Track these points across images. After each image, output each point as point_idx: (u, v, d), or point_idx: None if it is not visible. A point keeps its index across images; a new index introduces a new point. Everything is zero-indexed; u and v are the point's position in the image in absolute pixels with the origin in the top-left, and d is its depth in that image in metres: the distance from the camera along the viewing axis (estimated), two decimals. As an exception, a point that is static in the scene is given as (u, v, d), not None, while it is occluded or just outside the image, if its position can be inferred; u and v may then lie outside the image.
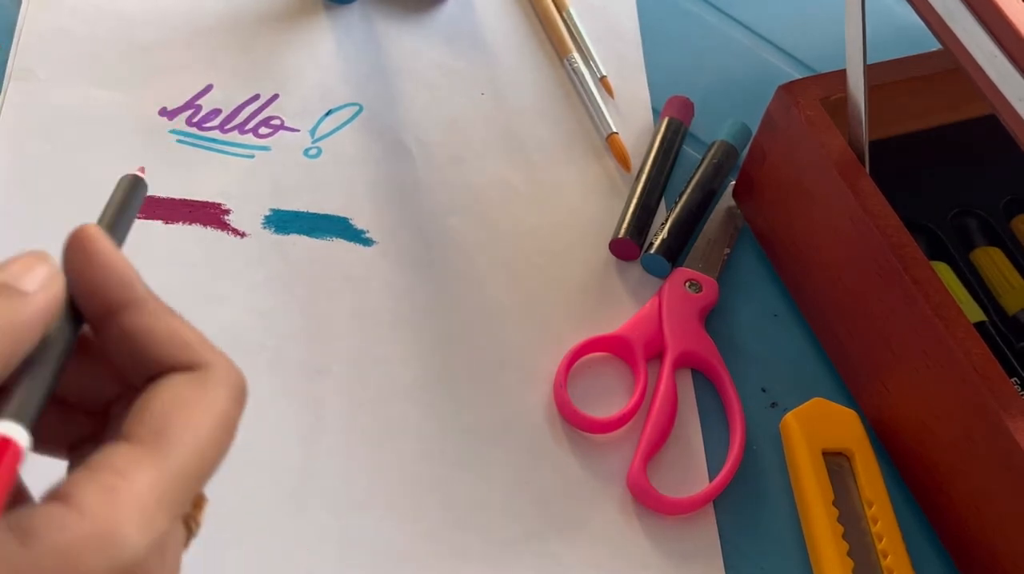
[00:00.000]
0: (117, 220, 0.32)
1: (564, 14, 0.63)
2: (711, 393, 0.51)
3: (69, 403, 0.30)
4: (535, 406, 0.50)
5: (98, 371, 0.30)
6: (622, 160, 0.58)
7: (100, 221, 0.31)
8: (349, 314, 0.52)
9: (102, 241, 0.29)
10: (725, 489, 0.48)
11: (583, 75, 0.60)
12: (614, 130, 0.58)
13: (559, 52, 0.62)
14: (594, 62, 0.61)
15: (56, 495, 0.25)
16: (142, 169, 0.34)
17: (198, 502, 0.30)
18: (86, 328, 0.29)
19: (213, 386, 0.28)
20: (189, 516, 0.29)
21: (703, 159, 0.58)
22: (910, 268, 0.45)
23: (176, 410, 0.27)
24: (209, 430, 0.27)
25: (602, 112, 0.59)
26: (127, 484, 0.25)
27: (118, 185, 0.33)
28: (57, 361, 0.27)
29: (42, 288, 0.27)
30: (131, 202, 0.33)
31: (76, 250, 0.28)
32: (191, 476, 0.27)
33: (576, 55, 0.61)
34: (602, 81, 0.61)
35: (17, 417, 0.25)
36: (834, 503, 0.47)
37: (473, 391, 0.50)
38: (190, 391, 0.27)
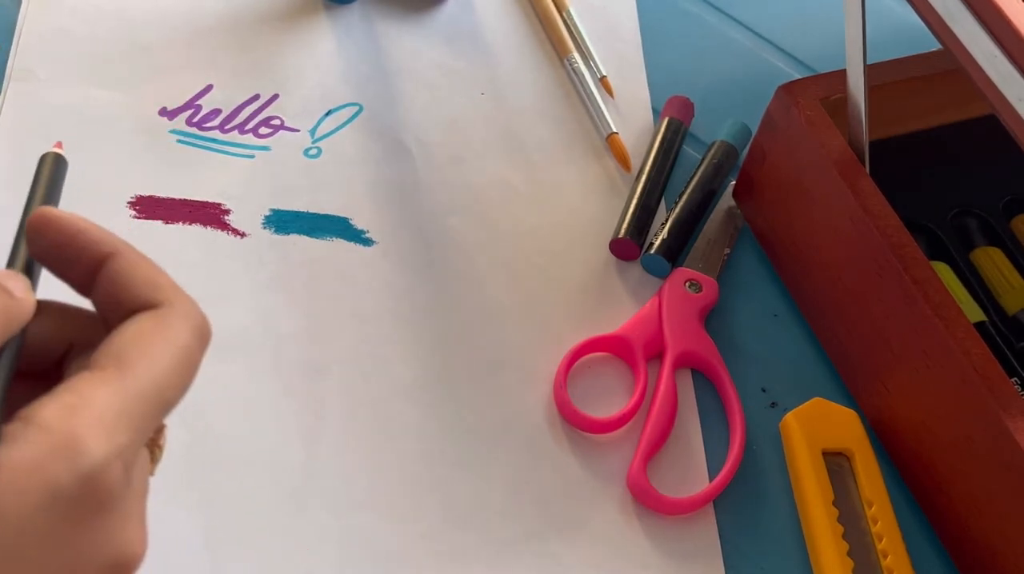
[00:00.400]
0: (50, 196, 0.33)
1: (564, 14, 0.63)
2: (711, 393, 0.51)
3: (20, 373, 0.31)
4: (535, 406, 0.50)
5: (43, 330, 0.31)
6: (622, 160, 0.58)
7: (33, 200, 0.33)
8: (349, 314, 0.52)
9: (62, 214, 0.31)
10: (725, 489, 0.48)
11: (583, 75, 0.60)
12: (614, 130, 0.58)
13: (559, 52, 0.62)
14: (594, 62, 0.61)
15: (18, 417, 0.27)
16: (59, 144, 0.35)
17: (160, 429, 0.31)
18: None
19: (173, 320, 0.30)
20: (152, 442, 0.31)
21: (703, 159, 0.58)
22: (910, 268, 0.45)
23: (136, 340, 0.29)
24: (168, 358, 0.29)
25: (602, 112, 0.59)
26: (85, 401, 0.27)
27: (42, 163, 0.34)
28: (12, 362, 0.29)
29: (25, 294, 0.30)
30: (57, 180, 0.34)
31: (45, 229, 0.31)
32: (150, 398, 0.29)
33: (576, 55, 0.61)
34: (602, 81, 0.61)
35: None
36: (834, 503, 0.47)
37: (473, 391, 0.50)
38: (151, 324, 0.30)
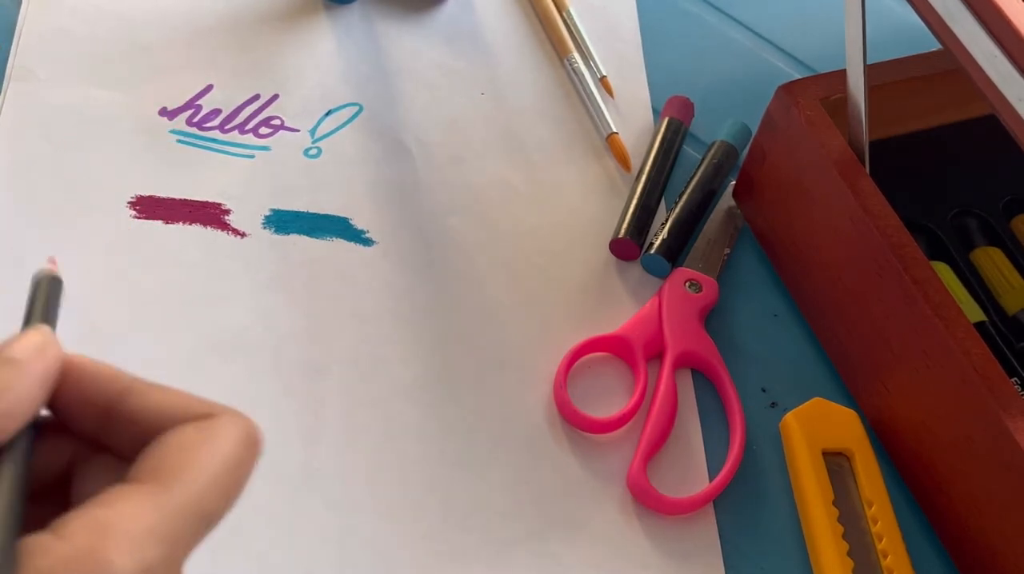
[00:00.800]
0: (48, 317, 0.30)
1: (564, 14, 0.63)
2: (711, 393, 0.51)
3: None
4: (535, 406, 0.50)
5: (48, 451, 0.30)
6: (622, 160, 0.58)
7: (31, 321, 0.30)
8: (349, 314, 0.52)
9: (72, 357, 0.29)
10: (725, 489, 0.48)
11: (583, 75, 0.60)
12: (614, 130, 0.58)
13: (559, 52, 0.62)
14: (594, 62, 0.61)
15: (48, 528, 0.25)
16: (54, 261, 0.32)
17: None
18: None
19: (219, 429, 0.28)
20: None
21: (703, 159, 0.58)
22: (910, 268, 0.45)
23: (177, 451, 0.27)
24: (211, 470, 0.27)
25: (602, 112, 0.59)
26: (115, 513, 0.26)
27: (38, 286, 0.31)
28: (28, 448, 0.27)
29: (38, 355, 0.28)
30: (55, 299, 0.31)
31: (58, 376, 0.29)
32: (188, 514, 0.27)
33: (576, 55, 0.61)
34: (602, 81, 0.61)
35: None
36: (834, 503, 0.47)
37: (473, 391, 0.50)
38: (195, 434, 0.28)
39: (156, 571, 0.26)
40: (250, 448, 0.29)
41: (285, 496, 0.46)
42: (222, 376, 0.49)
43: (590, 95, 0.60)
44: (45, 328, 0.29)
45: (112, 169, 0.54)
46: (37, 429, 0.28)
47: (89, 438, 0.29)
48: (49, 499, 0.29)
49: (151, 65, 0.58)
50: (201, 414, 0.28)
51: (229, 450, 0.28)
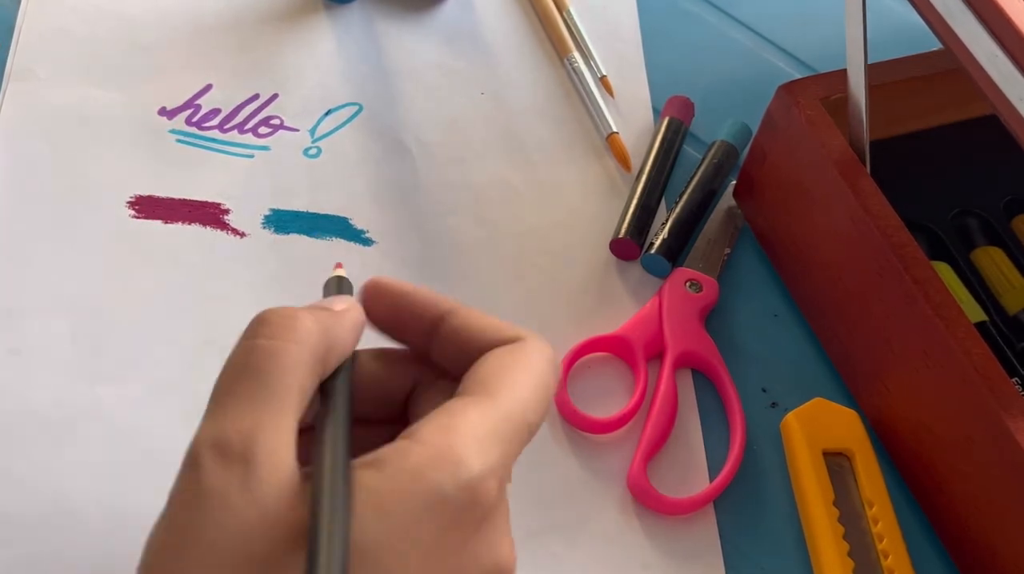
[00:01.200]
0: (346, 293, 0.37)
1: (564, 14, 0.63)
2: (711, 393, 0.51)
3: (370, 421, 0.35)
4: (535, 406, 0.50)
5: (385, 375, 0.35)
6: (622, 160, 0.58)
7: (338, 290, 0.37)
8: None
9: (391, 282, 0.35)
10: (725, 489, 0.48)
11: (583, 75, 0.60)
12: (614, 130, 0.58)
13: (559, 51, 0.62)
14: (594, 62, 0.61)
15: (402, 436, 0.30)
16: (339, 265, 0.39)
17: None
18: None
19: (529, 351, 0.33)
20: None
21: (703, 159, 0.58)
22: (911, 268, 0.45)
23: (500, 369, 0.32)
24: (529, 385, 0.32)
25: (602, 112, 0.59)
26: (460, 421, 0.30)
27: (329, 285, 0.37)
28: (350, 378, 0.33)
29: (350, 308, 0.34)
30: (346, 288, 0.37)
31: (383, 293, 0.35)
32: (516, 421, 0.31)
33: (576, 55, 0.61)
34: (602, 81, 0.61)
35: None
36: (834, 503, 0.47)
37: (473, 391, 0.50)
38: (510, 356, 0.33)
39: (496, 469, 0.30)
40: (553, 367, 0.34)
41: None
42: (222, 376, 0.49)
43: (590, 95, 0.60)
44: (347, 296, 0.35)
45: (111, 169, 0.54)
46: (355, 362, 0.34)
47: (424, 360, 0.35)
48: (392, 426, 0.34)
49: (150, 65, 0.58)
50: (512, 337, 0.34)
51: (540, 368, 0.33)
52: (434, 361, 0.35)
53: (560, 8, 0.63)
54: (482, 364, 0.33)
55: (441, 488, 0.29)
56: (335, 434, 0.31)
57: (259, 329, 0.32)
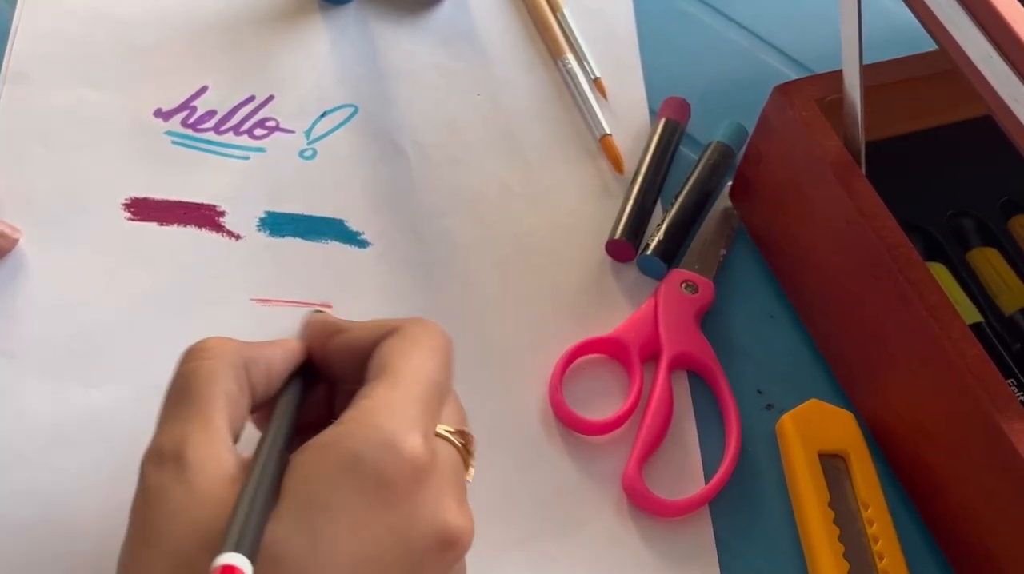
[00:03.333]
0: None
1: (559, 15, 0.63)
2: (707, 395, 0.51)
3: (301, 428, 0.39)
4: (530, 408, 0.50)
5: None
6: (615, 161, 0.57)
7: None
8: (344, 316, 0.51)
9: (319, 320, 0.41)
10: (721, 491, 0.48)
11: (577, 76, 0.60)
12: (607, 131, 0.58)
13: (553, 54, 0.62)
14: (588, 63, 0.61)
15: (333, 423, 0.34)
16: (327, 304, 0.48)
17: (469, 441, 0.38)
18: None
19: (411, 329, 0.37)
20: (465, 450, 0.37)
21: (699, 160, 0.58)
22: (906, 269, 0.45)
23: (391, 351, 0.37)
24: (421, 353, 0.37)
25: (595, 113, 0.59)
26: (369, 400, 0.34)
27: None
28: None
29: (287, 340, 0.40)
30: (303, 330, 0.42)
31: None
32: (423, 383, 0.35)
33: (570, 56, 0.61)
34: (596, 82, 0.60)
35: (239, 547, 0.31)
36: (830, 505, 0.47)
37: (468, 393, 0.50)
38: (397, 341, 0.37)
39: (416, 427, 0.34)
40: (438, 335, 0.38)
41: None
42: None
43: (583, 97, 0.60)
44: (296, 340, 0.40)
45: (107, 171, 0.54)
46: (310, 388, 0.40)
47: (332, 378, 0.40)
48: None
49: (146, 66, 0.58)
50: (394, 327, 0.38)
51: (426, 338, 0.37)
52: (339, 376, 0.40)
53: (554, 9, 0.63)
54: (376, 356, 0.37)
55: (356, 450, 0.33)
56: (274, 429, 0.36)
57: (180, 360, 0.37)
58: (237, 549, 0.30)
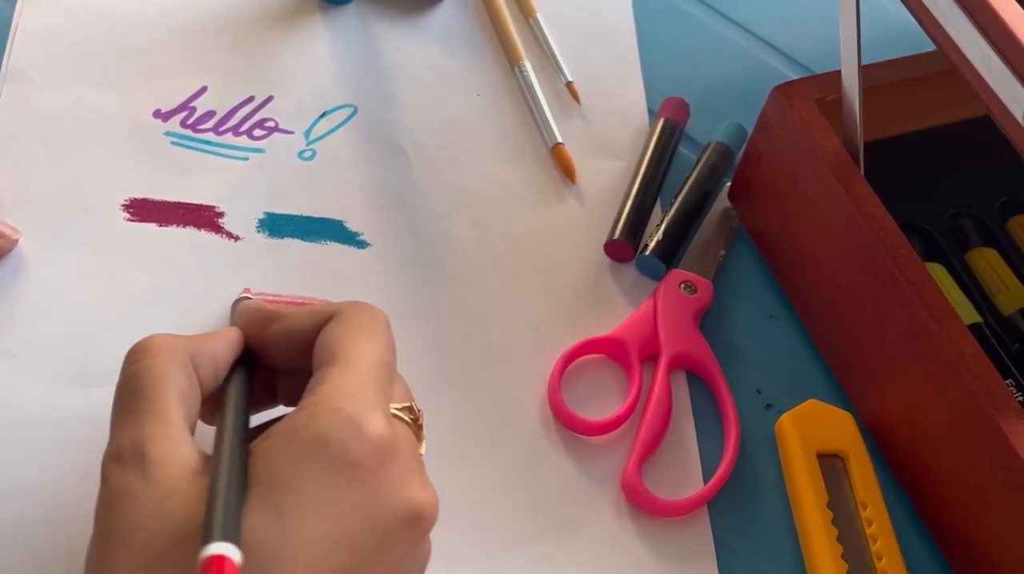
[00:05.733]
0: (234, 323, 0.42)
1: (531, 20, 0.62)
2: (706, 395, 0.51)
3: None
4: (529, 408, 0.50)
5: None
6: (567, 171, 0.57)
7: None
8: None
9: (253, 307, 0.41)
10: (720, 491, 0.48)
11: (532, 85, 0.60)
12: (559, 141, 0.58)
13: (510, 59, 0.61)
14: (561, 68, 0.60)
15: (295, 410, 0.35)
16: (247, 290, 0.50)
17: (417, 415, 0.39)
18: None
19: (349, 314, 0.38)
20: (415, 423, 0.38)
21: (698, 160, 0.58)
22: (905, 270, 0.45)
23: (334, 338, 0.37)
24: (362, 335, 0.37)
25: (548, 122, 0.58)
26: (323, 386, 0.35)
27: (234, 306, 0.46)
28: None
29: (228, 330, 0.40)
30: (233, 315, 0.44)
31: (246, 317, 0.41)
32: (372, 363, 0.36)
33: (527, 64, 0.60)
34: (568, 87, 0.60)
35: (225, 536, 0.31)
36: (829, 505, 0.47)
37: (467, 393, 0.50)
38: (337, 326, 0.38)
39: (374, 407, 0.35)
40: (373, 314, 0.39)
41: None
42: (216, 379, 0.49)
43: (537, 105, 0.59)
44: (235, 329, 0.40)
45: (106, 171, 0.54)
46: (252, 374, 0.40)
47: (270, 364, 0.40)
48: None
49: (145, 67, 0.58)
50: (330, 313, 0.38)
51: (364, 320, 0.38)
52: (277, 363, 0.40)
53: (526, 14, 0.63)
54: (321, 342, 0.37)
55: (321, 433, 0.33)
56: (230, 418, 0.36)
57: (126, 361, 0.37)
58: (223, 538, 0.30)
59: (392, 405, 0.37)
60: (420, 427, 0.39)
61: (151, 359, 0.36)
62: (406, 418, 0.38)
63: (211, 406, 0.39)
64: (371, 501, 0.34)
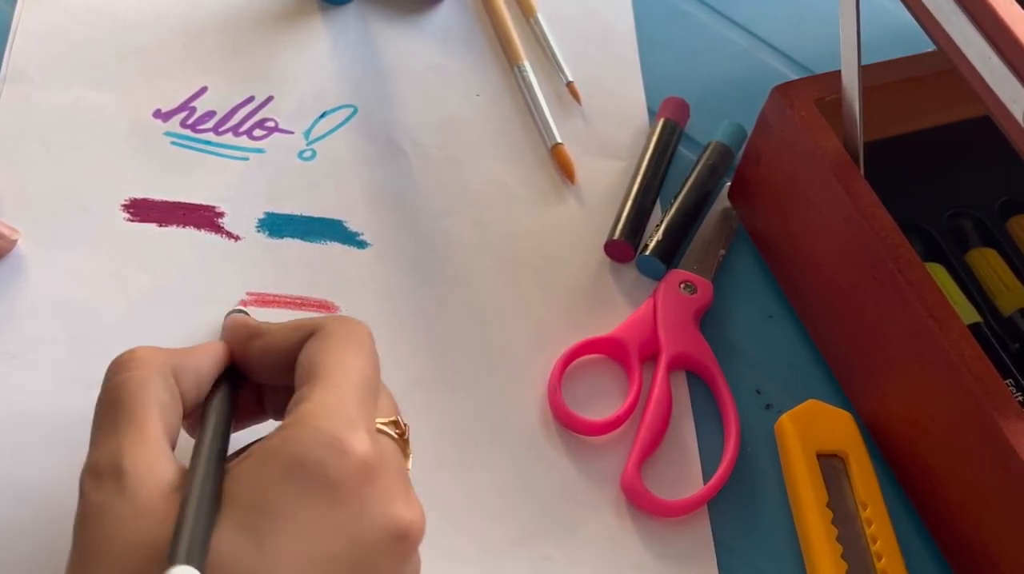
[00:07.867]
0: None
1: (531, 20, 0.62)
2: (706, 395, 0.51)
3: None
4: (529, 408, 0.50)
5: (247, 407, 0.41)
6: (566, 172, 0.57)
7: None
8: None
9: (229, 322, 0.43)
10: (719, 491, 0.48)
11: (532, 85, 0.60)
12: (559, 141, 0.58)
13: (510, 59, 0.61)
14: (562, 69, 0.61)
15: (277, 430, 0.35)
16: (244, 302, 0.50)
17: (404, 430, 0.38)
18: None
19: (330, 329, 0.37)
20: (401, 439, 0.37)
21: (698, 160, 0.58)
22: (904, 269, 0.45)
23: (316, 354, 0.36)
24: (346, 351, 0.36)
25: (548, 122, 0.58)
26: (303, 405, 0.34)
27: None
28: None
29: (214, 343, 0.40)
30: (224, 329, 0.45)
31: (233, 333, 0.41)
32: (353, 381, 0.36)
33: (527, 64, 0.60)
34: (568, 87, 0.60)
35: (190, 559, 0.31)
36: (828, 505, 0.47)
37: (467, 393, 0.50)
38: (318, 342, 0.37)
39: (356, 425, 0.34)
40: (357, 328, 0.38)
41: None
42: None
43: (537, 105, 0.59)
44: (220, 343, 0.40)
45: (106, 171, 0.54)
46: (238, 388, 0.40)
47: (254, 379, 0.40)
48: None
49: (145, 67, 0.58)
50: (312, 329, 0.38)
51: (346, 335, 0.37)
52: (263, 381, 0.40)
53: (527, 14, 0.63)
54: (303, 358, 0.37)
55: (299, 454, 0.33)
56: (209, 435, 0.36)
57: (107, 373, 0.36)
58: (188, 561, 0.30)
59: (377, 420, 0.36)
60: (407, 442, 0.38)
61: (132, 372, 0.36)
62: (392, 433, 0.37)
63: (194, 420, 0.38)
64: (353, 521, 0.33)
